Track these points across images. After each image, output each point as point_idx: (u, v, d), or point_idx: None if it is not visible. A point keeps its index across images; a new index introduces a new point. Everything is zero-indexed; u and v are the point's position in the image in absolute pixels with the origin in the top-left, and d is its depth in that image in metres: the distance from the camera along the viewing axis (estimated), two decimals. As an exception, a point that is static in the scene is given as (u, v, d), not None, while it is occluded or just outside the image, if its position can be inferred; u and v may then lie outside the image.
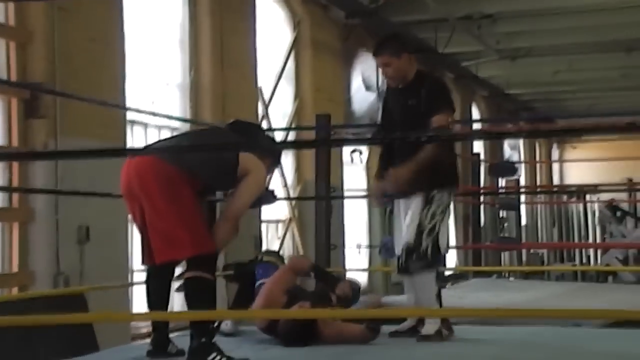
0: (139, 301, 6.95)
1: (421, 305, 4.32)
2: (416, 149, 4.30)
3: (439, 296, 4.36)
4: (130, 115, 6.86)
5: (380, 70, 4.65)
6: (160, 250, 3.78)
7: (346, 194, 10.52)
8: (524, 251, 14.65)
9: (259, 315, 4.45)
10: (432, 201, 4.31)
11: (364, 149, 11.66)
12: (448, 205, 4.39)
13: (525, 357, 4.07)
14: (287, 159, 9.88)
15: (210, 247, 3.83)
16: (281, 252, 9.62)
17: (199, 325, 3.76)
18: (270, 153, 4.19)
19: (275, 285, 4.56)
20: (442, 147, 4.32)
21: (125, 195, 3.93)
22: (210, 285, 3.81)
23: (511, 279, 11.08)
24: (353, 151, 11.34)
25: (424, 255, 4.26)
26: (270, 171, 4.38)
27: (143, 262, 4.01)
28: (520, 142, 19.99)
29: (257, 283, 4.78)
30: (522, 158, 19.91)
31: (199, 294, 3.74)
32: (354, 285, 4.73)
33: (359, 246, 11.38)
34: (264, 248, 8.79)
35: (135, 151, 3.74)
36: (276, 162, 4.49)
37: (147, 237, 3.87)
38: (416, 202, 4.35)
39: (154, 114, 7.03)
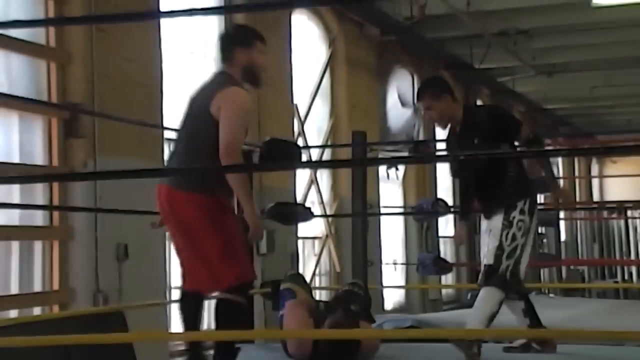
0: (176, 319, 6.99)
1: (471, 317, 4.34)
2: (495, 179, 4.34)
3: (492, 317, 4.32)
4: (168, 134, 6.92)
5: (424, 114, 4.70)
6: (204, 282, 3.80)
7: (382, 210, 10.48)
8: (564, 268, 14.45)
9: (297, 335, 4.42)
10: (512, 223, 4.30)
11: (401, 165, 11.62)
12: (529, 230, 4.37)
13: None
14: (323, 175, 9.88)
15: (251, 275, 3.86)
16: (317, 271, 9.63)
17: (224, 347, 3.77)
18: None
19: (295, 317, 4.50)
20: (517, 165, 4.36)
21: (162, 218, 3.98)
22: (243, 309, 3.81)
23: (551, 295, 10.93)
24: (389, 167, 11.31)
25: (502, 276, 4.26)
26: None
27: (183, 286, 4.00)
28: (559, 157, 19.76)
29: (279, 314, 4.78)
30: (561, 173, 19.68)
31: (230, 317, 3.74)
32: (359, 291, 4.71)
33: (395, 263, 11.32)
34: (300, 265, 8.80)
35: (171, 172, 3.77)
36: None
37: (185, 261, 3.89)
38: (496, 222, 4.38)
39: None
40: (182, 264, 3.94)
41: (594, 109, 17.83)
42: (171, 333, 5.09)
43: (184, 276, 3.93)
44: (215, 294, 3.92)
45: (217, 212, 3.76)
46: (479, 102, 14.54)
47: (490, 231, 4.42)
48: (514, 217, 4.32)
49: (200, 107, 3.81)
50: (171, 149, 4.05)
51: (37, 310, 5.57)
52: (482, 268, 4.39)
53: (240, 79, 3.90)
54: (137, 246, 6.19)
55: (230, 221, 3.84)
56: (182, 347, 6.97)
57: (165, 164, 4.10)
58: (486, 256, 4.38)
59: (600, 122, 19.18)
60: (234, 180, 3.71)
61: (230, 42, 4.00)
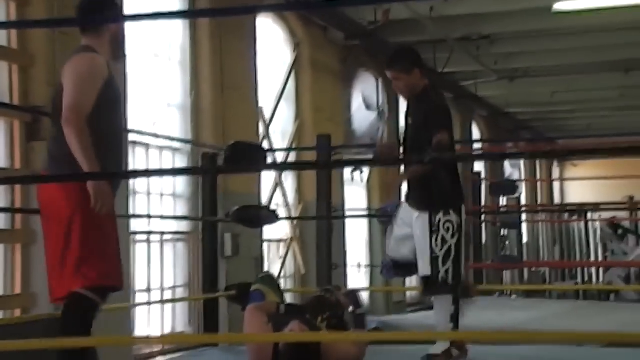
0: (141, 323, 6.95)
1: (436, 325, 4.34)
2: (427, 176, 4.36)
3: (455, 316, 4.31)
4: (131, 137, 6.90)
5: (391, 83, 4.70)
6: (54, 286, 3.42)
7: (347, 213, 10.53)
8: (525, 270, 14.63)
9: (254, 339, 4.35)
10: (438, 226, 4.29)
11: (365, 168, 11.69)
12: (459, 226, 4.34)
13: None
14: (289, 179, 9.90)
15: (114, 280, 3.45)
16: (282, 273, 9.64)
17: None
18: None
19: (252, 322, 4.30)
20: (441, 166, 4.35)
21: None
22: (95, 308, 3.44)
23: (513, 297, 11.07)
24: (354, 170, 11.36)
25: (443, 282, 4.26)
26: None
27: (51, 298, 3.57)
28: (521, 160, 20.02)
29: None
30: (523, 176, 19.94)
31: (78, 314, 3.39)
32: (351, 293, 4.61)
33: (359, 265, 11.37)
34: (265, 268, 8.80)
35: (136, 174, 3.72)
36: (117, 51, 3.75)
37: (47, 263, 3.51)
38: (421, 225, 4.34)
39: (156, 136, 7.06)
40: (53, 268, 3.49)
41: (555, 114, 18.10)
42: (134, 337, 5.06)
43: (57, 284, 3.48)
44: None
45: (80, 199, 3.34)
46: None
47: (416, 229, 4.35)
48: (439, 220, 4.29)
49: (58, 82, 3.56)
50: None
51: (-2, 315, 5.51)
52: (421, 279, 4.34)
53: (105, 50, 3.59)
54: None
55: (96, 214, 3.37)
56: (149, 351, 6.95)
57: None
58: (421, 268, 4.33)
59: (560, 127, 19.48)
60: (72, 140, 3.31)
61: (100, 11, 3.66)
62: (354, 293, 4.59)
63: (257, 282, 4.86)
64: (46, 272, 3.55)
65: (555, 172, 24.33)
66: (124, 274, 3.52)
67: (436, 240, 4.27)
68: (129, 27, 6.75)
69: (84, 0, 3.67)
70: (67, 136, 3.33)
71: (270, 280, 4.97)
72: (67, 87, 3.41)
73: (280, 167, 9.17)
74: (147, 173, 3.69)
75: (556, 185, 23.88)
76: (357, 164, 10.54)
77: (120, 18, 3.80)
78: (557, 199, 23.33)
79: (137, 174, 3.67)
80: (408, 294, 12.27)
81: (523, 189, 18.24)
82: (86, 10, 3.67)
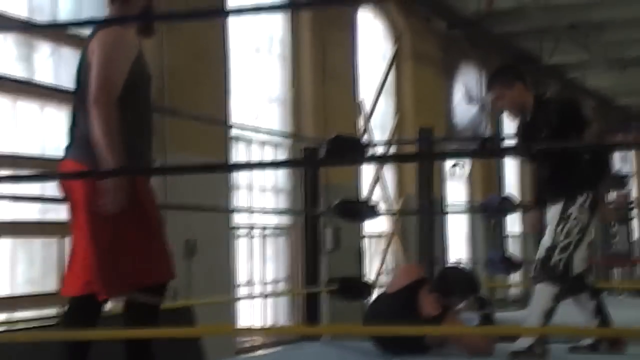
0: (243, 317, 7.03)
1: (528, 316, 4.24)
2: (559, 169, 4.27)
3: (549, 314, 4.20)
4: (233, 132, 6.97)
5: (495, 103, 4.55)
6: (98, 283, 3.05)
7: (449, 207, 10.37)
8: (636, 267, 14.04)
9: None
10: (569, 218, 4.21)
11: (466, 162, 11.47)
12: (587, 227, 4.23)
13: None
14: (389, 173, 9.82)
15: (166, 274, 3.14)
16: (383, 268, 9.58)
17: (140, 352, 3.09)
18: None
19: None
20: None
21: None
22: (156, 313, 3.14)
23: (622, 296, 10.63)
24: (454, 164, 11.18)
25: (553, 268, 4.16)
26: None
27: (68, 291, 3.21)
28: (632, 153, 19.26)
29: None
30: (634, 169, 19.17)
31: (143, 322, 3.07)
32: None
33: (460, 261, 11.18)
34: (366, 263, 8.76)
35: (238, 167, 3.65)
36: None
37: (76, 257, 3.16)
38: (554, 212, 4.28)
39: (257, 130, 7.12)
40: (71, 262, 3.19)
41: (668, 104, 17.32)
42: (238, 328, 5.10)
43: (70, 278, 3.17)
44: (120, 297, 3.18)
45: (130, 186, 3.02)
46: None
47: (549, 217, 4.31)
48: (571, 213, 4.19)
49: (82, 58, 3.20)
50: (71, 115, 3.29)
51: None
52: (535, 262, 4.31)
53: (133, 23, 3.25)
54: (205, 242, 6.24)
55: (143, 203, 3.09)
56: (250, 344, 7.02)
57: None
58: (539, 250, 4.28)
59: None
60: (98, 122, 2.99)
61: None
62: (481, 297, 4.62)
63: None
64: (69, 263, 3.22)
65: (668, 166, 23.29)
66: (171, 265, 3.16)
67: (562, 229, 4.19)
68: (230, 21, 6.85)
69: None
70: (93, 118, 3.00)
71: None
72: (96, 64, 3.05)
73: (380, 160, 9.10)
74: (249, 166, 3.66)
75: (669, 179, 22.85)
76: (460, 156, 10.34)
77: None
78: (669, 193, 22.34)
79: (239, 166, 3.62)
80: (511, 291, 11.99)
81: (634, 182, 17.53)
82: None
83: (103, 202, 2.96)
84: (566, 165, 4.29)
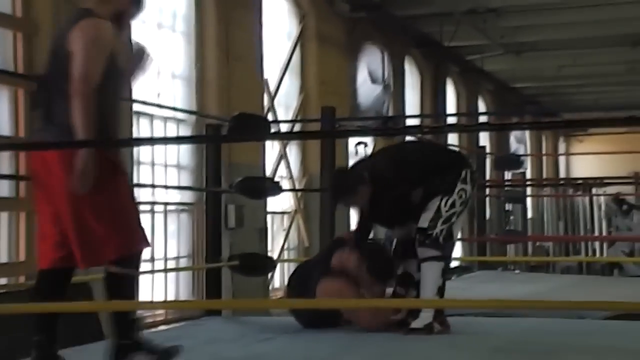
0: (144, 290, 6.99)
1: (422, 295, 4.31)
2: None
3: (442, 289, 4.30)
4: (136, 107, 6.89)
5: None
6: (78, 254, 3.28)
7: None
8: (529, 244, 14.65)
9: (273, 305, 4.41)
10: (453, 191, 4.33)
11: (369, 141, 11.68)
12: (468, 200, 4.36)
13: (524, 349, 4.04)
14: (293, 151, 9.90)
15: (138, 244, 3.39)
16: (285, 245, 9.67)
17: (120, 324, 3.35)
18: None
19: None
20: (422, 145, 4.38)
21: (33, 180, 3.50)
22: (130, 282, 3.43)
23: (516, 271, 11.09)
24: (358, 143, 11.36)
25: (435, 239, 4.28)
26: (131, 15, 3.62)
27: (44, 264, 3.40)
28: (527, 135, 19.98)
29: None
30: (528, 151, 19.90)
31: (119, 291, 3.33)
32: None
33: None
34: (269, 240, 8.83)
35: (140, 141, 3.66)
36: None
37: (51, 232, 3.35)
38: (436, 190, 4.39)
39: (160, 106, 7.06)
40: (45, 236, 3.38)
41: (562, 88, 18.02)
42: (138, 302, 5.07)
43: (46, 252, 3.37)
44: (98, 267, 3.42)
45: (104, 170, 3.27)
46: (448, 84, 14.62)
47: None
48: (455, 185, 4.31)
49: (58, 47, 3.38)
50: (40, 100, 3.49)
51: (2, 281, 5.55)
52: (415, 231, 4.32)
53: (109, 17, 3.43)
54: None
55: (115, 179, 3.35)
56: (151, 320, 7.00)
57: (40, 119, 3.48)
58: (421, 220, 4.31)
59: (567, 102, 19.39)
60: (78, 112, 3.21)
61: None
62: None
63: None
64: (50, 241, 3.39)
65: (561, 148, 24.28)
66: (145, 234, 3.44)
67: (447, 201, 4.31)
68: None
69: None
70: (74, 107, 3.23)
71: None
72: (77, 54, 3.26)
73: (283, 137, 9.17)
74: (151, 141, 3.65)
75: (562, 161, 23.84)
76: (360, 134, 10.51)
77: None
78: (562, 174, 23.31)
79: (141, 141, 3.61)
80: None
81: (528, 164, 18.22)
82: None
83: (75, 183, 3.22)
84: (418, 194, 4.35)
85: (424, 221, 4.31)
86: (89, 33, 3.30)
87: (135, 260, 3.44)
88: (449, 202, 4.31)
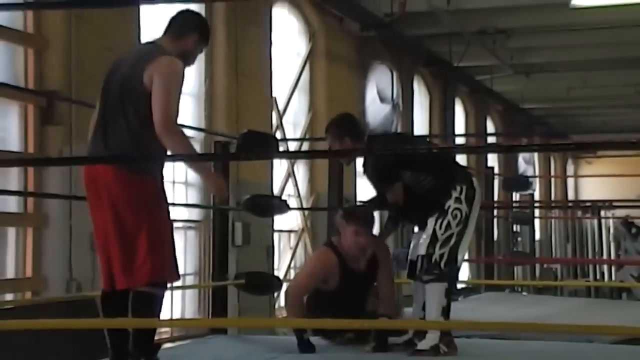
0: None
1: (426, 316, 4.27)
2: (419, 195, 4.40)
3: (446, 310, 4.26)
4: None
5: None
6: (118, 275, 3.45)
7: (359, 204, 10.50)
8: (537, 266, 14.58)
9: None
10: (447, 211, 4.26)
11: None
12: (467, 218, 4.28)
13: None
14: (300, 169, 9.90)
15: (171, 276, 3.57)
16: (292, 264, 9.65)
17: (144, 341, 3.47)
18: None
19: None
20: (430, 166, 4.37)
21: (89, 200, 3.67)
22: (159, 303, 3.53)
23: (524, 293, 11.03)
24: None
25: (435, 265, 4.23)
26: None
27: (106, 285, 3.60)
28: (535, 156, 19.93)
29: None
30: (537, 173, 19.84)
31: (146, 311, 3.44)
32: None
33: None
34: (276, 258, 8.81)
35: (148, 158, 3.65)
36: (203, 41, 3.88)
37: (107, 254, 3.53)
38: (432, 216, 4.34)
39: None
40: (105, 258, 3.55)
41: (571, 110, 18.00)
42: (145, 320, 5.06)
43: (107, 273, 3.54)
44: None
45: (153, 196, 3.47)
46: (457, 102, 14.62)
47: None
48: (449, 206, 4.24)
49: (129, 77, 3.55)
50: (97, 124, 3.70)
51: (9, 297, 5.54)
52: (417, 261, 4.31)
53: (175, 55, 3.67)
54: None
55: (164, 208, 3.55)
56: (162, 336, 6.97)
57: (90, 140, 3.71)
58: (419, 247, 4.30)
59: (576, 123, 19.37)
60: (178, 147, 3.44)
61: (190, 25, 3.82)
62: None
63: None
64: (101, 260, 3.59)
65: (570, 169, 24.21)
66: (177, 267, 3.61)
67: (441, 223, 4.24)
68: (144, 11, 6.77)
69: (193, 13, 3.91)
70: (171, 144, 3.42)
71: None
72: (160, 92, 3.44)
73: (291, 155, 9.16)
74: (160, 157, 3.64)
75: (570, 183, 23.77)
76: (370, 153, 10.47)
77: (201, 42, 3.86)
78: (570, 196, 23.23)
79: (149, 157, 3.60)
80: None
81: (537, 185, 18.15)
82: (190, 21, 3.86)
83: (216, 194, 3.80)
84: (420, 187, 4.34)
85: (422, 248, 4.27)
86: (170, 71, 3.50)
87: (164, 288, 3.53)
88: (443, 224, 4.24)
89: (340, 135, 4.53)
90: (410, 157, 4.41)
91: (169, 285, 3.65)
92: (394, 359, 4.22)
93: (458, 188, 4.31)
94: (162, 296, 3.53)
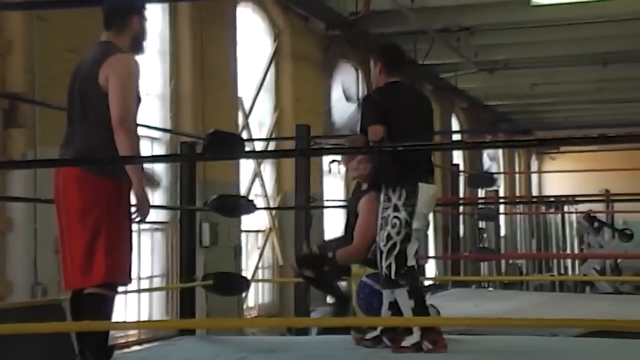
0: (117, 312, 6.92)
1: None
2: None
3: (418, 309, 4.22)
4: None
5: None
6: (74, 275, 3.47)
7: (326, 204, 10.54)
8: (503, 261, 14.72)
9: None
10: (387, 221, 4.26)
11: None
12: (407, 223, 4.25)
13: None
14: (267, 169, 9.89)
15: (124, 277, 3.56)
16: (260, 264, 9.64)
17: (94, 344, 3.45)
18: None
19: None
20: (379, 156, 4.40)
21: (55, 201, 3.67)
22: (110, 304, 3.53)
23: (490, 289, 11.13)
24: (332, 161, 11.36)
25: (386, 278, 4.26)
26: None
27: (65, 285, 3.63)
28: (500, 153, 20.13)
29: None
30: (502, 169, 20.04)
31: (96, 312, 3.43)
32: None
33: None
34: (243, 258, 8.80)
35: (114, 160, 3.64)
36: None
37: (66, 254, 3.55)
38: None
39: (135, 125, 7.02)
40: (64, 258, 3.57)
41: (534, 106, 18.20)
42: (112, 322, 5.03)
43: (64, 273, 3.57)
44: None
45: (113, 198, 3.49)
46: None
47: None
48: (388, 215, 4.26)
49: (87, 79, 3.57)
50: (66, 127, 3.72)
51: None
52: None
53: (128, 47, 3.69)
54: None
55: (125, 210, 3.56)
56: (124, 340, 6.93)
57: (61, 144, 3.72)
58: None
59: (540, 119, 19.59)
60: (125, 145, 3.45)
61: (124, 7, 3.78)
62: None
63: None
64: (61, 260, 3.62)
65: (534, 166, 24.49)
66: (131, 270, 3.62)
67: (382, 236, 4.28)
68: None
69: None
70: (121, 141, 3.43)
71: None
72: (115, 91, 3.46)
73: (258, 155, 9.16)
74: (125, 159, 3.62)
75: (534, 178, 24.04)
76: (334, 152, 10.50)
77: (143, 17, 3.82)
78: (535, 192, 23.49)
79: (115, 159, 3.59)
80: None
81: (501, 181, 18.35)
82: (123, 6, 3.79)
83: (140, 212, 3.54)
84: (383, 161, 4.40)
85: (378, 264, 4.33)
86: (123, 70, 3.54)
87: (115, 289, 3.52)
88: (384, 235, 4.27)
89: (375, 58, 4.65)
90: (399, 125, 4.37)
91: (121, 288, 3.65)
92: (371, 354, 4.26)
93: (397, 193, 4.29)
94: (114, 298, 3.53)
